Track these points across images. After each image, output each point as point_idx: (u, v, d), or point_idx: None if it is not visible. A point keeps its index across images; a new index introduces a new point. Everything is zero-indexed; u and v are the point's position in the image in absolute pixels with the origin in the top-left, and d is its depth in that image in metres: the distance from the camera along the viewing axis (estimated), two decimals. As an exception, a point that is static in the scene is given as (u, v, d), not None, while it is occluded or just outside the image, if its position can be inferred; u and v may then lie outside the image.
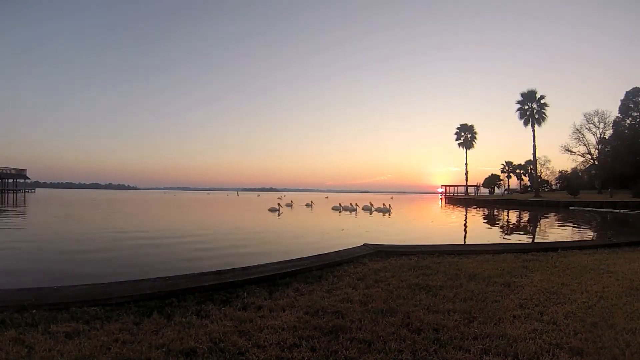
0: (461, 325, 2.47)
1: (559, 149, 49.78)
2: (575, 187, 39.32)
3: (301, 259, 4.73)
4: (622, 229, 13.76)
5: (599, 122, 46.07)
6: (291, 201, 29.70)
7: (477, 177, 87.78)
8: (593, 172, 47.98)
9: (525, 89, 42.73)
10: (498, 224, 16.09)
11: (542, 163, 58.14)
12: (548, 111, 42.01)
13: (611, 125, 45.69)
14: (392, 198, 55.93)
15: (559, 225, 14.59)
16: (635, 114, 44.71)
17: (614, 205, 26.53)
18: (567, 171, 54.42)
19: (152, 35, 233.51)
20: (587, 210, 24.84)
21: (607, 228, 14.55)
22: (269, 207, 22.87)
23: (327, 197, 50.07)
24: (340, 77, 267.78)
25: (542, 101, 42.09)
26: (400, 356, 2.02)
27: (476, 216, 20.97)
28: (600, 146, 46.21)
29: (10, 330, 2.29)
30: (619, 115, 45.84)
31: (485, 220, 18.13)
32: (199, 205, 30.80)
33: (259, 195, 38.48)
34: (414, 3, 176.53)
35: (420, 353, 2.05)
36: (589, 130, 46.86)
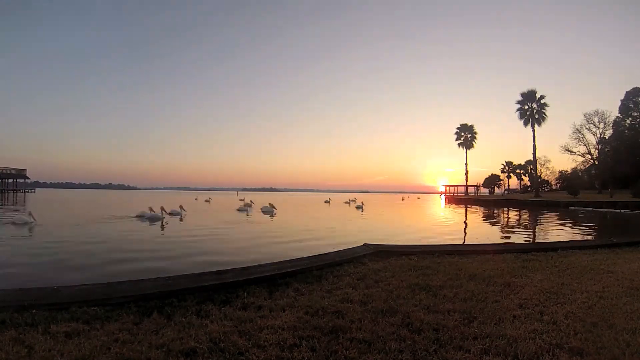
0: (461, 325, 2.47)
1: (559, 149, 49.98)
2: (575, 187, 39.30)
3: (301, 258, 4.72)
4: (621, 228, 13.77)
5: (599, 122, 46.22)
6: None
7: (477, 177, 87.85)
8: (593, 172, 48.05)
9: (525, 89, 42.77)
10: (498, 224, 16.09)
11: (542, 163, 58.34)
12: (548, 111, 42.06)
13: (611, 125, 45.79)
14: (402, 199, 55.66)
15: (559, 225, 14.59)
16: (635, 114, 44.76)
17: (614, 205, 26.54)
18: (567, 171, 54.52)
19: (153, 35, 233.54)
20: (587, 210, 24.89)
21: (607, 227, 14.56)
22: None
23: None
24: (340, 78, 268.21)
25: (542, 101, 42.09)
26: (400, 356, 2.02)
27: (476, 216, 20.95)
28: (600, 146, 46.27)
29: (10, 330, 2.29)
30: (619, 115, 45.92)
31: (485, 220, 18.12)
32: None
33: (196, 199, 39.13)
34: (413, 3, 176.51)
35: (420, 353, 2.05)
36: (589, 130, 47.02)
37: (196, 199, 37.81)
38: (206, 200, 35.68)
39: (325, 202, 36.38)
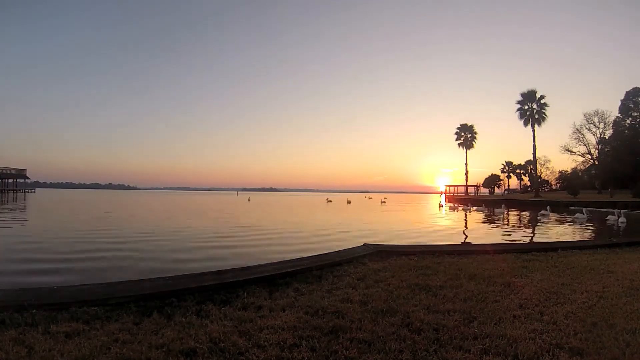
0: (461, 325, 2.47)
1: (559, 149, 50.02)
2: (575, 187, 39.30)
3: (301, 259, 4.73)
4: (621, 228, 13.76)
5: (599, 122, 46.28)
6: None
7: (477, 177, 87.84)
8: (593, 172, 48.02)
9: (525, 89, 42.86)
10: (498, 224, 16.07)
11: (542, 163, 58.38)
12: (548, 111, 42.13)
13: (611, 125, 45.80)
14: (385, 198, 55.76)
15: (559, 225, 14.58)
16: (635, 114, 44.73)
17: (614, 205, 26.52)
18: (567, 171, 54.48)
19: (152, 34, 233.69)
20: (588, 210, 24.85)
21: (606, 226, 14.55)
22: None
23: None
24: (340, 78, 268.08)
25: (542, 101, 42.14)
26: (400, 356, 2.02)
27: (476, 216, 20.94)
28: (600, 146, 46.29)
29: (10, 330, 2.29)
30: (619, 115, 45.90)
31: (485, 220, 18.11)
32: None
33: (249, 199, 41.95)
34: (412, 2, 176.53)
35: (420, 353, 2.05)
36: (589, 130, 47.08)
37: (249, 200, 42.36)
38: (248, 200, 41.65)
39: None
